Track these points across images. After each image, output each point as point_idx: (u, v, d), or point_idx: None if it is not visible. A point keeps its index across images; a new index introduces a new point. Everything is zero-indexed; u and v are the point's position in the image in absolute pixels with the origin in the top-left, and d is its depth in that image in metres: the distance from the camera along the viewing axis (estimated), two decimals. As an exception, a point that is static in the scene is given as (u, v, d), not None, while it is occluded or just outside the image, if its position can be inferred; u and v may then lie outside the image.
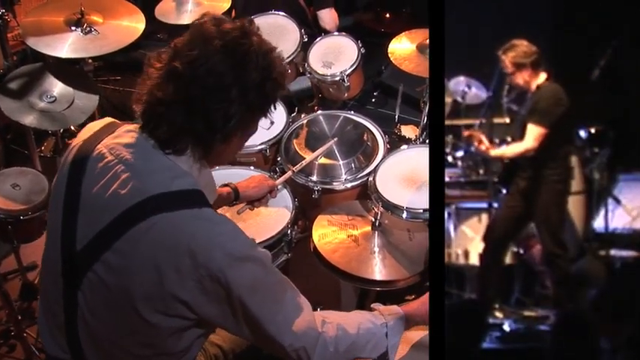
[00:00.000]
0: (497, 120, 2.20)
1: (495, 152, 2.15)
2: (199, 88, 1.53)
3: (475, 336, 1.82)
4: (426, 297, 1.95)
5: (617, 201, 1.96)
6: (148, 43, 5.40)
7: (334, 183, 2.92)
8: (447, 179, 2.16)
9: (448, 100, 2.30)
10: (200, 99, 1.53)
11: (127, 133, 1.65)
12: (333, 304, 2.96)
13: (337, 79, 3.33)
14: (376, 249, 2.54)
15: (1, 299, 2.84)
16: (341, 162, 2.94)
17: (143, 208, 1.53)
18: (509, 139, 2.15)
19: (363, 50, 3.39)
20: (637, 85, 1.83)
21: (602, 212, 1.98)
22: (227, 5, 3.70)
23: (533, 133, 2.05)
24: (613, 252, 1.93)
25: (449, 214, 2.20)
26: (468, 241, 2.13)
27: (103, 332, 1.68)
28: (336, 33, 3.63)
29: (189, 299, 1.56)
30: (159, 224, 1.52)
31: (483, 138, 2.15)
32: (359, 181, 2.92)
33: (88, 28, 3.21)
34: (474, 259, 2.07)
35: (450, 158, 2.22)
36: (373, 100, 4.88)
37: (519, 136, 2.10)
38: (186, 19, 3.67)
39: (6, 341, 3.05)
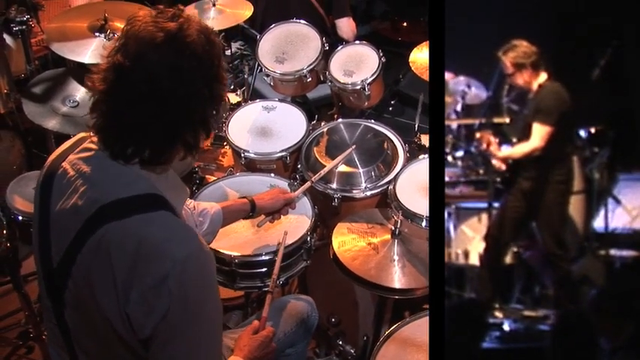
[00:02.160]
0: (497, 120, 2.21)
1: (503, 153, 2.15)
2: (144, 95, 1.50)
3: (475, 336, 1.82)
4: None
5: (617, 201, 1.97)
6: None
7: (354, 191, 2.93)
8: (446, 179, 2.16)
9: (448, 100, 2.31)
10: (148, 105, 1.51)
11: (87, 146, 1.64)
12: (350, 312, 2.97)
13: (358, 87, 3.33)
14: (395, 257, 2.54)
15: (21, 301, 2.87)
16: (361, 170, 2.95)
17: (96, 218, 1.52)
18: (514, 139, 2.15)
19: (383, 59, 3.40)
20: (637, 85, 1.83)
21: (602, 212, 1.98)
22: (249, 13, 3.72)
23: (540, 133, 2.05)
24: (613, 252, 1.93)
25: (449, 214, 2.21)
26: (468, 241, 2.13)
27: (100, 355, 1.67)
28: (357, 42, 3.63)
29: (131, 314, 1.52)
30: (108, 233, 1.51)
31: (492, 139, 2.15)
32: (379, 190, 2.93)
33: (112, 34, 3.24)
34: (474, 259, 2.07)
35: (449, 158, 2.23)
36: (390, 108, 4.88)
37: (525, 136, 2.10)
38: (208, 26, 3.69)
39: (25, 343, 3.08)
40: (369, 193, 2.92)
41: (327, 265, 2.61)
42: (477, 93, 2.27)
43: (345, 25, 4.13)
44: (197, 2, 3.82)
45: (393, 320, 2.67)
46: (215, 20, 3.69)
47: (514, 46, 2.04)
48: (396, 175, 2.91)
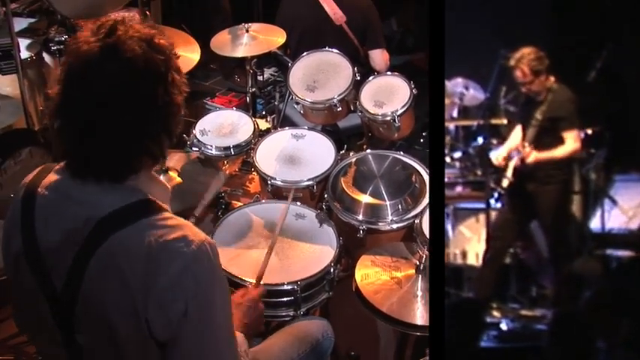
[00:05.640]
0: (495, 121, 2.21)
1: (539, 156, 2.14)
2: (94, 114, 1.48)
3: (473, 335, 1.82)
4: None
5: (614, 201, 1.97)
6: (201, 72, 5.52)
7: (380, 223, 2.90)
8: (445, 179, 2.17)
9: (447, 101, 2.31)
10: (101, 124, 1.49)
11: (58, 169, 1.63)
12: (371, 347, 2.93)
13: (388, 119, 3.32)
14: (419, 293, 2.50)
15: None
16: (388, 202, 2.92)
17: (97, 233, 1.51)
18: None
19: (415, 91, 3.38)
20: (634, 86, 1.83)
21: (598, 212, 1.99)
22: (281, 40, 3.75)
23: (573, 137, 2.06)
24: (609, 252, 1.93)
25: (447, 215, 2.20)
26: (466, 242, 2.12)
27: None
28: (388, 72, 3.62)
29: (151, 319, 1.51)
30: (114, 244, 1.50)
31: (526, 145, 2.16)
32: (405, 223, 2.89)
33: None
34: (472, 259, 2.07)
35: (447, 159, 2.23)
36: (422, 140, 4.86)
37: (555, 141, 2.10)
38: (240, 52, 3.74)
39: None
40: (394, 226, 2.89)
41: (349, 296, 2.59)
42: (475, 94, 2.28)
43: (379, 57, 4.13)
44: (231, 28, 3.86)
45: (414, 357, 2.63)
46: (248, 46, 3.73)
47: (527, 54, 2.05)
48: (423, 209, 2.88)
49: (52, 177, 1.63)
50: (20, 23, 4.18)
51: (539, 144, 2.17)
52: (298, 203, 2.93)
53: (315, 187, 3.08)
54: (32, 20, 4.42)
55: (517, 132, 2.29)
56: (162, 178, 2.93)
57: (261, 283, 2.35)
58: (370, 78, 3.55)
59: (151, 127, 1.55)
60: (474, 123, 2.22)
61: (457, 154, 2.19)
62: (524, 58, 2.05)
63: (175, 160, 3.17)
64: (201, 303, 1.54)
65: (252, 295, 2.12)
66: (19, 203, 1.64)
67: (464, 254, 2.09)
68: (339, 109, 3.45)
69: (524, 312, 1.93)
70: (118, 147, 1.53)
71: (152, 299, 1.50)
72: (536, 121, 2.14)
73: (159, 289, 1.49)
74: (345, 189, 3.00)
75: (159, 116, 1.55)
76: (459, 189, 2.24)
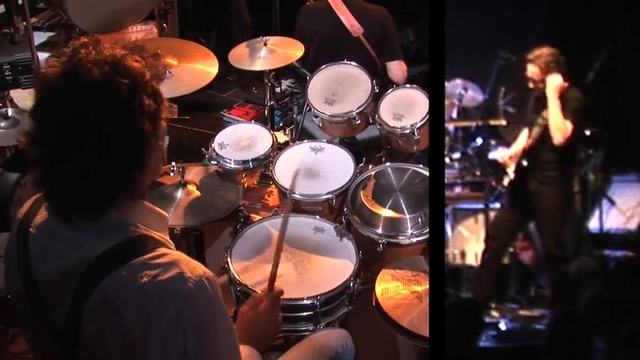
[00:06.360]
0: (494, 122, 2.21)
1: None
2: (62, 146, 1.42)
3: (472, 334, 1.81)
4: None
5: (612, 202, 1.98)
6: (218, 84, 5.54)
7: (400, 237, 2.87)
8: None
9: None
10: (72, 156, 1.42)
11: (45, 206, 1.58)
12: (390, 362, 2.91)
13: (407, 131, 3.29)
14: (440, 308, 2.48)
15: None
16: (407, 216, 2.89)
17: (89, 276, 1.46)
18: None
19: (434, 104, 3.36)
20: (631, 88, 1.84)
21: (596, 213, 1.99)
22: (300, 53, 3.74)
23: (569, 126, 2.08)
24: (607, 252, 1.95)
25: (446, 215, 2.19)
26: (465, 242, 2.11)
27: None
28: (407, 85, 3.61)
29: (151, 358, 1.46)
30: (109, 287, 1.44)
31: None
32: (425, 236, 2.86)
33: (165, 72, 3.27)
34: (471, 260, 2.06)
35: (447, 160, 2.22)
36: (440, 152, 4.83)
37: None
38: (258, 65, 3.74)
39: None
40: (414, 240, 2.86)
41: (369, 310, 2.57)
42: (474, 96, 2.27)
43: (396, 69, 4.12)
44: (249, 41, 3.87)
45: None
46: (266, 60, 3.73)
47: (544, 53, 2.05)
48: (443, 222, 2.85)
49: (42, 214, 1.58)
50: (40, 37, 4.22)
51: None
52: (317, 217, 2.92)
53: (334, 200, 3.07)
54: (51, 34, 4.46)
55: (524, 133, 2.29)
56: (180, 192, 2.98)
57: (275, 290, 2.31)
58: (389, 90, 3.53)
59: (117, 156, 1.44)
60: (473, 124, 2.22)
61: (456, 155, 2.20)
62: (540, 57, 2.05)
63: (194, 173, 3.16)
64: (202, 342, 1.48)
65: (259, 303, 2.02)
66: (14, 241, 1.60)
67: (463, 254, 2.09)
68: (358, 122, 3.44)
69: (522, 312, 1.93)
70: (84, 178, 1.44)
71: (152, 340, 1.45)
72: (543, 120, 2.13)
73: (157, 331, 1.45)
74: (365, 202, 2.98)
75: (124, 145, 1.44)
76: (458, 190, 2.24)
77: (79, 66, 1.42)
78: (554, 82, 2.08)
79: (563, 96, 2.09)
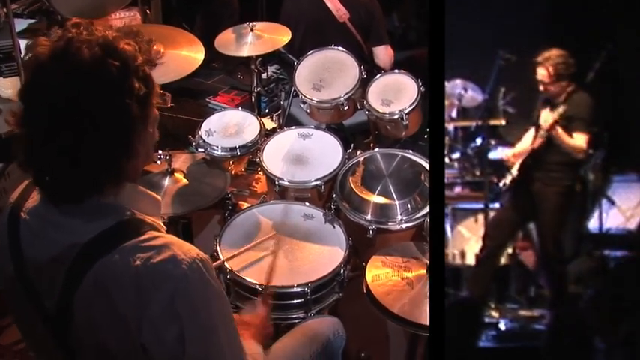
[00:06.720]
0: (494, 122, 2.22)
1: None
2: (52, 128, 1.39)
3: (471, 334, 1.83)
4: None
5: (611, 202, 2.00)
6: (203, 71, 5.49)
7: (389, 223, 2.87)
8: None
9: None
10: (62, 139, 1.39)
11: (37, 190, 1.57)
12: (382, 347, 2.90)
13: (396, 117, 3.27)
14: (431, 293, 2.48)
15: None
16: (397, 202, 2.89)
17: (81, 260, 1.44)
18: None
19: (423, 88, 3.34)
20: (631, 88, 1.85)
21: (596, 213, 2.01)
22: (287, 39, 3.71)
23: (582, 140, 2.07)
24: (607, 252, 1.97)
25: (446, 215, 2.20)
26: (465, 242, 2.12)
27: None
28: (395, 70, 3.58)
29: (147, 343, 1.45)
30: (101, 271, 1.43)
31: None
32: (415, 222, 2.86)
33: (149, 58, 3.23)
34: (471, 259, 2.08)
35: (446, 160, 2.23)
36: (426, 136, 4.82)
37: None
38: (245, 51, 3.70)
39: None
40: (404, 226, 2.86)
41: (359, 296, 2.56)
42: (474, 95, 2.27)
43: (383, 53, 4.10)
44: (235, 27, 3.82)
45: (426, 357, 2.60)
46: (253, 46, 3.69)
47: (555, 55, 2.05)
48: (433, 207, 2.85)
49: (35, 198, 1.56)
50: (20, 24, 4.14)
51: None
52: (307, 204, 2.90)
53: (323, 187, 3.05)
54: (32, 21, 4.38)
55: (530, 133, 2.28)
56: (167, 180, 2.95)
57: (270, 285, 2.32)
58: (377, 76, 3.51)
59: (105, 138, 1.42)
60: (473, 124, 2.22)
61: (456, 155, 2.20)
62: (551, 59, 2.04)
63: (181, 161, 3.14)
64: (199, 324, 1.47)
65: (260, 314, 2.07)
66: (6, 226, 1.58)
67: (462, 254, 2.09)
68: (346, 107, 3.41)
69: (522, 312, 1.94)
70: (71, 160, 1.41)
71: (146, 325, 1.44)
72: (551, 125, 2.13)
73: (152, 315, 1.43)
74: (354, 189, 2.96)
75: (112, 127, 1.42)
76: (457, 189, 2.24)
77: (69, 46, 1.40)
78: (547, 119, 2.09)
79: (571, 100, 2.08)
